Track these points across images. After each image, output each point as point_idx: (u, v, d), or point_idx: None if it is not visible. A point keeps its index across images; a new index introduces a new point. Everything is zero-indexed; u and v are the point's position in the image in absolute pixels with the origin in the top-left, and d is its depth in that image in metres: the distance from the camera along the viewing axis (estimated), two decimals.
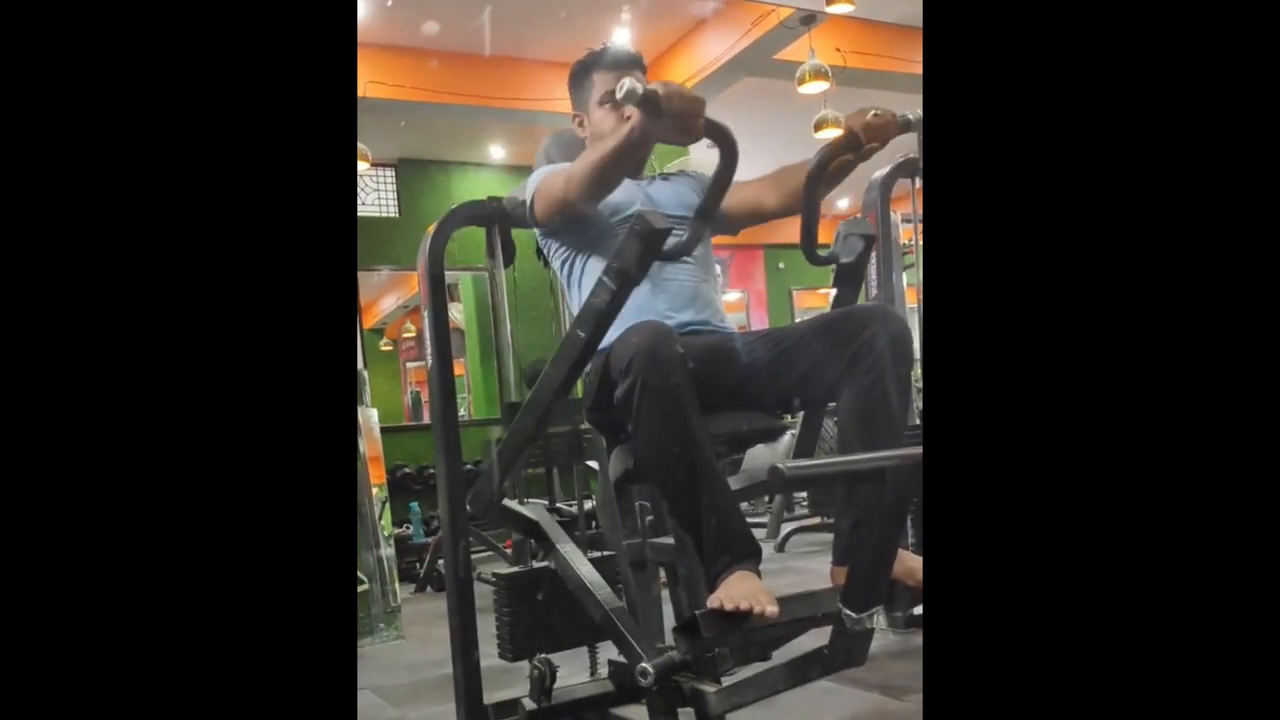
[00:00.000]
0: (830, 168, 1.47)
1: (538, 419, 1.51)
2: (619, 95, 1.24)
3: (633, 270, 1.28)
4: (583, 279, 1.62)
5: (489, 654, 1.86)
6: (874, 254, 2.56)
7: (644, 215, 1.24)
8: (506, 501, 1.76)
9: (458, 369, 6.85)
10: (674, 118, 1.25)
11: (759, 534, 1.66)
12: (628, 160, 1.38)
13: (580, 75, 1.70)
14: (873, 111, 1.42)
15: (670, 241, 1.31)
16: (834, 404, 1.47)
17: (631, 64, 1.68)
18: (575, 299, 1.65)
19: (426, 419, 7.01)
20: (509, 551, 4.21)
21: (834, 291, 1.67)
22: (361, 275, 6.17)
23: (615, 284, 1.31)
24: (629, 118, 1.42)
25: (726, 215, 1.71)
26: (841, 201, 7.39)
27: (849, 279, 1.65)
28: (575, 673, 1.91)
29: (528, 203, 1.59)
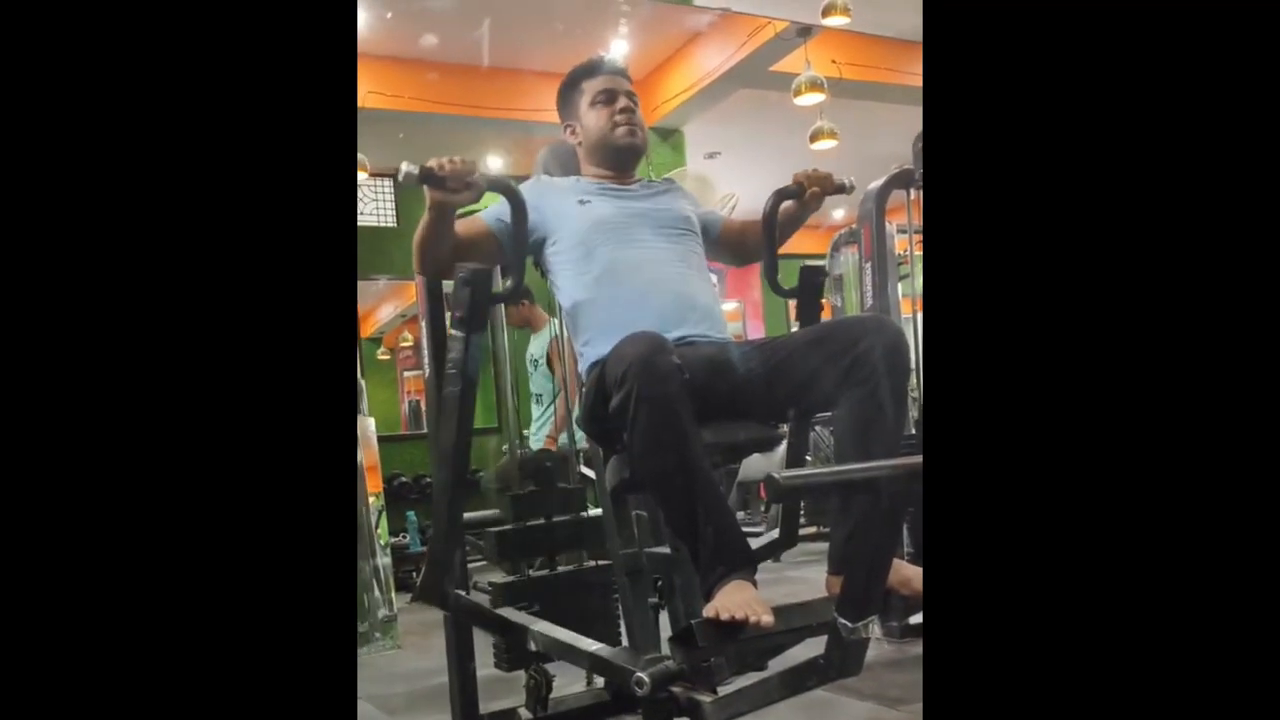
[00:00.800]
0: (781, 212, 1.68)
1: (452, 486, 1.55)
2: (400, 180, 1.40)
3: (468, 316, 1.42)
4: (575, 291, 1.63)
5: (485, 664, 1.86)
6: (869, 264, 2.58)
7: (468, 266, 1.41)
8: (461, 593, 1.72)
9: None
10: (453, 180, 1.41)
11: (754, 544, 1.66)
12: (440, 227, 1.51)
13: (568, 87, 1.75)
14: (813, 169, 1.68)
15: (507, 283, 1.50)
16: (826, 413, 1.48)
17: (618, 72, 1.73)
18: (563, 304, 1.67)
19: (423, 428, 7.00)
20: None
21: (796, 325, 1.80)
22: (359, 285, 6.17)
23: (463, 332, 1.43)
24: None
25: (720, 244, 1.83)
26: (837, 212, 7.41)
27: (807, 312, 1.77)
28: (571, 683, 1.91)
29: None
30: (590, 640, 1.55)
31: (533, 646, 1.65)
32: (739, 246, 1.82)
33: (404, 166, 1.39)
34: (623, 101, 1.69)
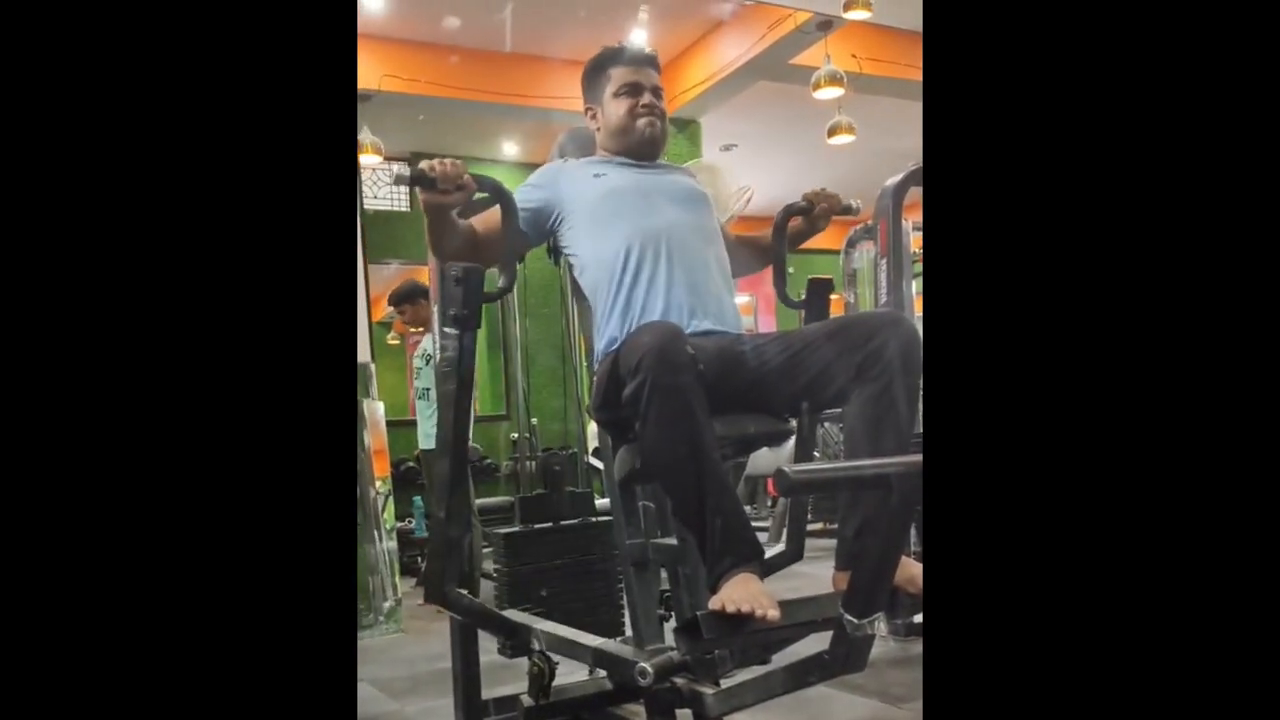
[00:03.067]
0: (789, 227, 1.74)
1: (451, 483, 1.55)
2: (393, 183, 1.51)
3: (463, 314, 1.43)
4: (593, 268, 1.62)
5: (488, 650, 1.86)
6: (885, 260, 2.57)
7: (460, 265, 1.42)
8: (464, 593, 1.70)
9: None
10: (443, 181, 1.44)
11: (762, 538, 1.66)
12: (438, 227, 1.54)
13: (595, 70, 1.73)
14: (825, 189, 1.75)
15: (502, 282, 1.50)
16: (835, 409, 1.47)
17: (647, 62, 1.70)
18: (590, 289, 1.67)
19: None
20: None
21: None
22: (372, 269, 6.17)
23: (456, 330, 1.43)
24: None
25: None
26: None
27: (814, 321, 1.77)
28: (574, 670, 1.91)
29: None
30: (593, 636, 1.56)
31: (536, 645, 1.66)
32: (735, 255, 1.78)
33: (395, 168, 1.44)
34: (647, 97, 1.68)
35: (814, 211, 1.73)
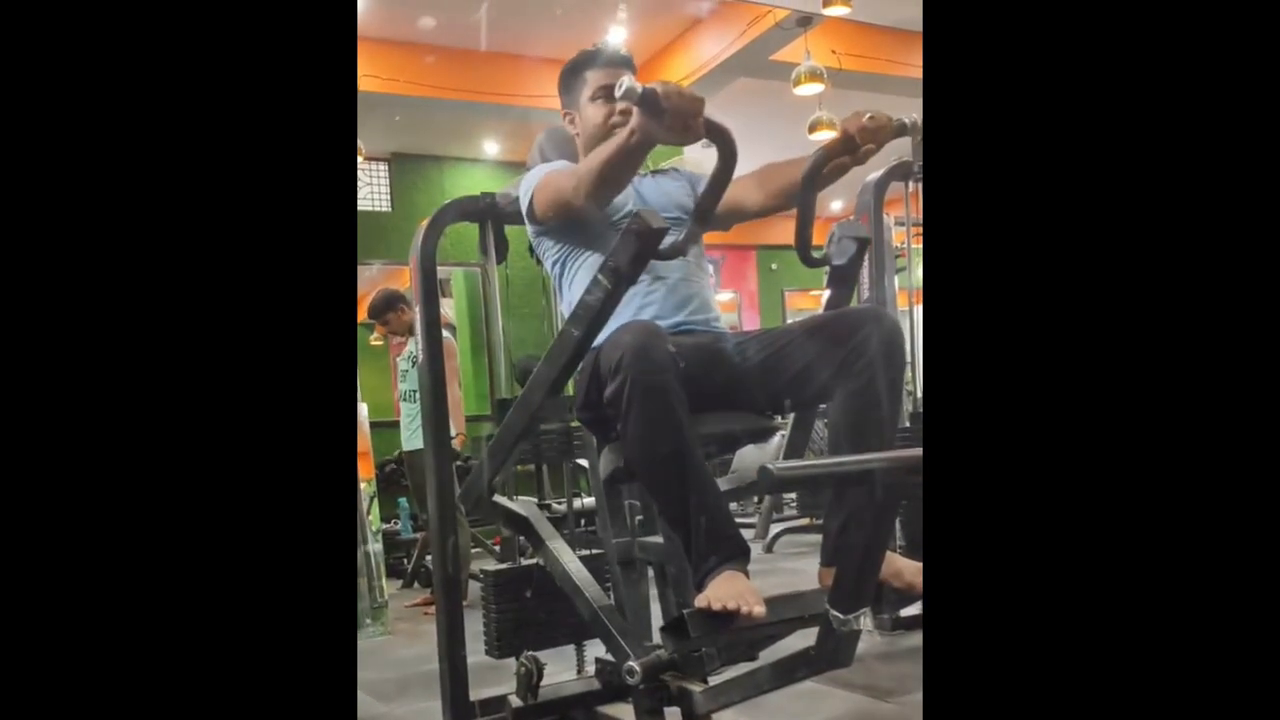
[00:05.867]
0: (825, 169, 1.47)
1: (530, 415, 1.51)
2: (618, 93, 1.22)
3: (627, 269, 1.26)
4: (575, 278, 1.62)
5: (475, 651, 1.86)
6: (867, 256, 2.57)
7: (641, 214, 1.22)
8: (498, 497, 1.76)
9: None
10: (673, 116, 1.23)
11: (747, 534, 1.66)
12: (631, 161, 1.35)
13: (571, 74, 1.71)
14: (868, 114, 1.42)
15: (666, 240, 1.29)
16: (825, 405, 1.48)
17: (623, 63, 1.69)
18: (565, 297, 1.65)
19: None
20: (497, 548, 4.20)
21: (828, 293, 1.69)
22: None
23: (610, 282, 1.29)
24: (624, 117, 1.40)
25: (728, 204, 1.70)
26: (835, 204, 7.39)
27: (843, 281, 1.66)
28: (562, 670, 1.91)
29: (526, 201, 1.60)
30: (598, 590, 1.53)
31: (540, 561, 1.63)
32: (737, 205, 1.62)
33: (626, 80, 1.21)
34: (622, 102, 1.66)
35: (859, 152, 1.44)
